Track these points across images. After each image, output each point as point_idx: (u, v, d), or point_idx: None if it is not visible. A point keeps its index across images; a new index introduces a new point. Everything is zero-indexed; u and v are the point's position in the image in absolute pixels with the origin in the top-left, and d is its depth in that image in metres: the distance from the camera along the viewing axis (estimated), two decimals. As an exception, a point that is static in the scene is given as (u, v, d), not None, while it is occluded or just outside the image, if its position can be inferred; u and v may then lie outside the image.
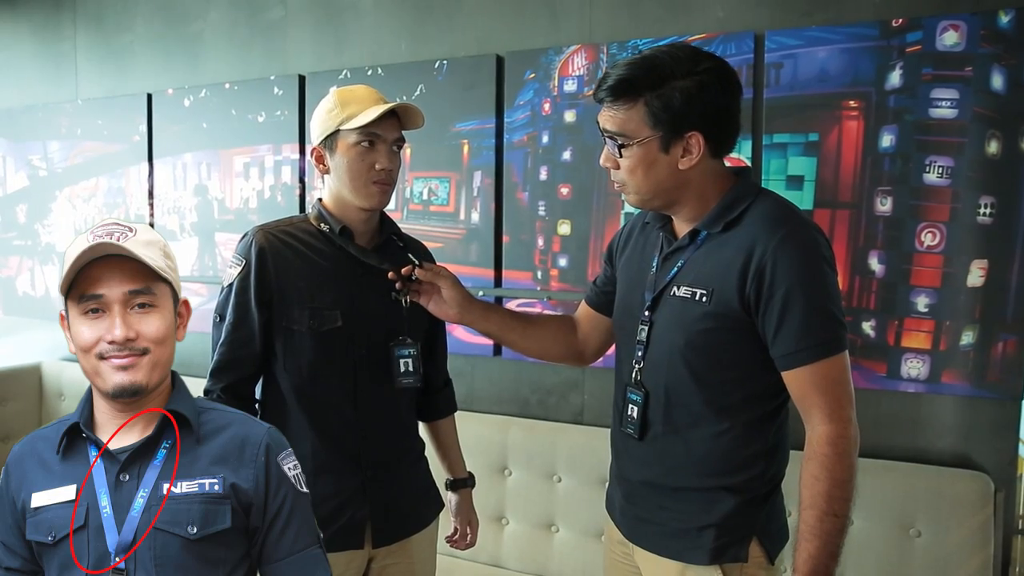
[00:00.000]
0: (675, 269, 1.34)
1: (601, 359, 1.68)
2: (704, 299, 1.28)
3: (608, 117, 1.29)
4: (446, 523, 1.74)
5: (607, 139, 1.31)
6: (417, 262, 1.54)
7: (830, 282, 1.25)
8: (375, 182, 1.47)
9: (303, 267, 1.50)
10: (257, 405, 1.57)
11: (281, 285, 1.49)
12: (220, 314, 1.52)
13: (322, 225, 1.53)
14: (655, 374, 1.35)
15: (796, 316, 1.22)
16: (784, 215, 1.28)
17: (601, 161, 1.34)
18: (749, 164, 2.12)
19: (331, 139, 1.47)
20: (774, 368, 1.27)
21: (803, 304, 1.21)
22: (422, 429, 1.80)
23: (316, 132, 1.50)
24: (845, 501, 1.23)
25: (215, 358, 1.51)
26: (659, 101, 1.24)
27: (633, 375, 1.38)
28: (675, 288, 1.32)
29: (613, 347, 1.57)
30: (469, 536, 1.79)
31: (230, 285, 1.50)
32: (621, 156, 1.29)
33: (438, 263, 1.63)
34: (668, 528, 1.35)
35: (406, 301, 1.54)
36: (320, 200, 1.56)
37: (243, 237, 1.53)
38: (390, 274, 1.52)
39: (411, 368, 1.53)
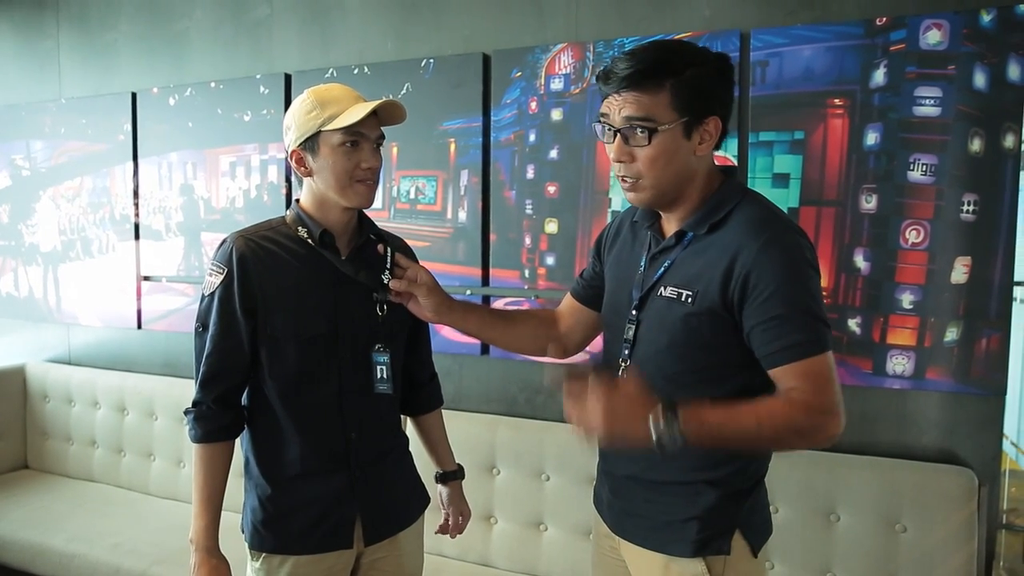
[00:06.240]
0: (662, 269, 1.34)
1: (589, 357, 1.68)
2: (689, 300, 1.28)
3: (630, 103, 1.25)
4: (432, 518, 1.74)
5: (626, 129, 1.27)
6: (387, 277, 1.53)
7: (813, 284, 1.25)
8: (360, 180, 1.47)
9: (284, 274, 1.48)
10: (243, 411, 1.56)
11: (264, 293, 1.46)
12: (203, 323, 1.49)
13: (300, 230, 1.51)
14: (640, 372, 1.35)
15: (779, 318, 1.22)
16: (767, 218, 1.28)
17: (614, 156, 1.30)
18: (735, 163, 2.13)
19: (312, 140, 1.45)
20: (757, 367, 1.27)
21: (786, 306, 1.22)
22: (409, 424, 1.79)
23: (294, 135, 1.47)
24: (772, 442, 1.26)
25: (203, 369, 1.48)
26: (684, 85, 1.24)
27: (620, 373, 1.38)
28: (662, 288, 1.33)
29: (595, 341, 1.57)
30: (461, 522, 1.79)
31: (212, 294, 1.47)
32: (649, 143, 1.26)
33: (421, 262, 1.63)
34: (653, 521, 1.37)
35: (382, 308, 1.55)
36: (298, 202, 1.54)
37: (222, 244, 1.50)
38: (379, 247, 1.54)
39: (385, 376, 1.54)
